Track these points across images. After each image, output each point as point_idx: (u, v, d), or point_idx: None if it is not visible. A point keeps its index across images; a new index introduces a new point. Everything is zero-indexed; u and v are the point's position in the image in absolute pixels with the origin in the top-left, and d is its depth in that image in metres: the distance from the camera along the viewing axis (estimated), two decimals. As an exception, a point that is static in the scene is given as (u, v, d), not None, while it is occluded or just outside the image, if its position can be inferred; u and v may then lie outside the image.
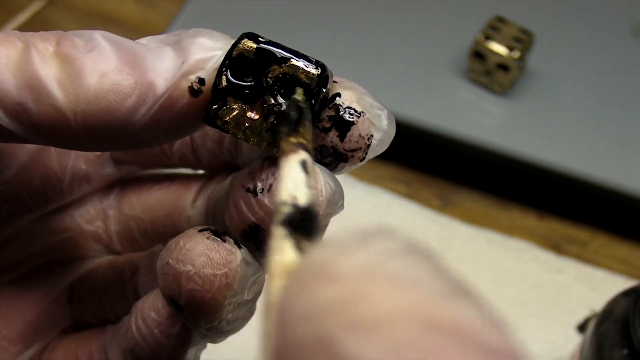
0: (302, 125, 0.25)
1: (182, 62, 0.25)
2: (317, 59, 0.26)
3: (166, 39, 0.26)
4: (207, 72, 0.25)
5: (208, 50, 0.25)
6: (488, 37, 0.63)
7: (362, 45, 0.68)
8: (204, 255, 0.27)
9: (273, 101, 0.26)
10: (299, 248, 0.19)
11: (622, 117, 0.64)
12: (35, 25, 0.73)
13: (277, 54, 0.26)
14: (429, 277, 0.16)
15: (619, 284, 0.56)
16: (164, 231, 0.32)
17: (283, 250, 0.19)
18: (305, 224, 0.20)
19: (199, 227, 0.28)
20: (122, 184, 0.33)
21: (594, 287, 0.59)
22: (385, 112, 0.27)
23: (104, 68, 0.25)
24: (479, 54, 0.63)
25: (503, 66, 0.63)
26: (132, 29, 0.73)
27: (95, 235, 0.33)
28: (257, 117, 0.26)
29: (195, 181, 0.32)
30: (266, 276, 0.19)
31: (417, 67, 0.66)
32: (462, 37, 0.66)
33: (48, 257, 0.33)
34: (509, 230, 0.63)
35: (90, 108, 0.25)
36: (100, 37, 0.25)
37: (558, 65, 0.67)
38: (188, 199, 0.32)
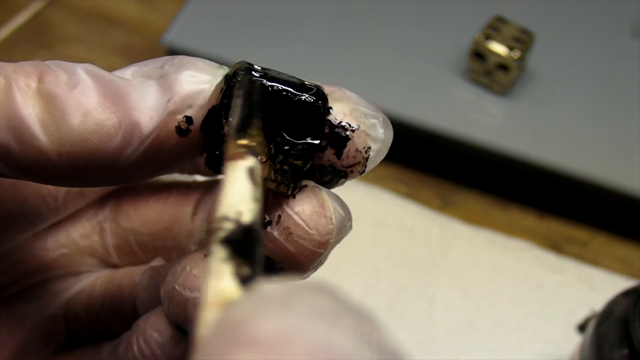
0: (251, 125, 0.23)
1: (168, 100, 0.24)
2: (314, 83, 0.25)
3: (150, 72, 0.25)
4: (195, 109, 0.25)
5: (194, 85, 0.25)
6: (488, 37, 0.63)
7: (362, 45, 0.68)
8: None
9: (279, 139, 0.25)
10: (239, 275, 0.18)
11: (622, 117, 0.64)
12: (35, 25, 0.73)
13: (273, 89, 0.25)
14: (353, 348, 0.15)
15: (619, 284, 0.56)
16: (164, 244, 0.31)
17: (221, 276, 0.18)
18: (247, 245, 0.19)
19: (206, 252, 0.27)
20: (117, 194, 0.32)
21: (594, 287, 0.59)
22: (381, 118, 0.26)
23: (87, 106, 0.24)
24: (479, 54, 0.63)
25: (503, 66, 0.63)
26: (132, 29, 0.73)
27: (91, 250, 0.32)
28: (263, 158, 0.25)
29: (194, 192, 0.31)
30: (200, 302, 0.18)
31: (417, 67, 0.66)
32: (462, 37, 0.66)
33: (43, 275, 0.32)
34: (509, 230, 0.63)
35: (75, 149, 0.24)
36: (82, 72, 0.24)
37: (558, 65, 0.67)
38: (187, 212, 0.31)
